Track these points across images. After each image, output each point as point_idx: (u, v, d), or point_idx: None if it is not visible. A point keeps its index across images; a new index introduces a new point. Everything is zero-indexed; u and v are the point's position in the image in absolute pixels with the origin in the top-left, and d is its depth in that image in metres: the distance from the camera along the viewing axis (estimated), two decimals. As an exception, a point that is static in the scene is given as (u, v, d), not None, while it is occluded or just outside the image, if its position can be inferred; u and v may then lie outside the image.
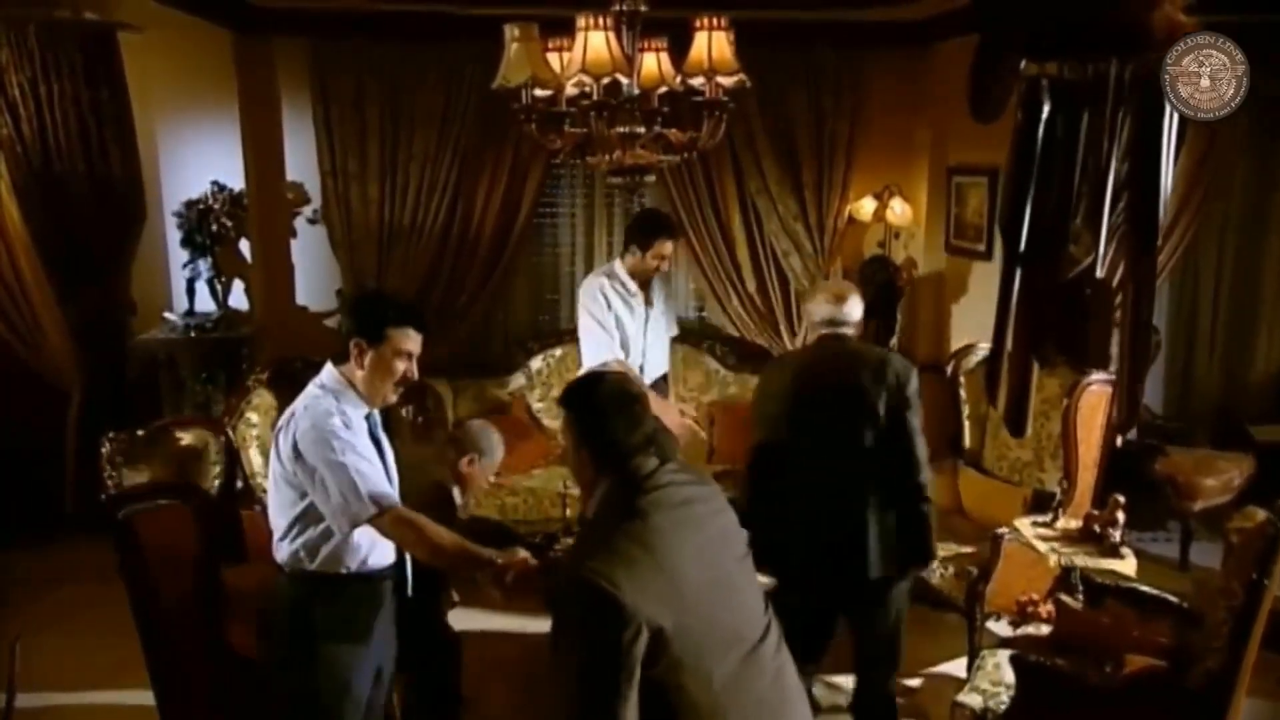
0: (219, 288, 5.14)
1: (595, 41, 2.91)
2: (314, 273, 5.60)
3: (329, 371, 2.45)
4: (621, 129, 3.11)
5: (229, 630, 2.92)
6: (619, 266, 4.09)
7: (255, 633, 2.70)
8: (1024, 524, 3.64)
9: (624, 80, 3.00)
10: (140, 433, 3.33)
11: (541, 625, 3.80)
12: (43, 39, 4.51)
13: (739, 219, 5.67)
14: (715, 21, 3.07)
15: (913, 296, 5.85)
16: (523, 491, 4.81)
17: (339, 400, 2.39)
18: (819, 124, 5.54)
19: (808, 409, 2.97)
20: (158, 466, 3.28)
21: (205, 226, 4.99)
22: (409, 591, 2.64)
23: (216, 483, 3.60)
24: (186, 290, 5.08)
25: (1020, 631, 3.22)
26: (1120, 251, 2.77)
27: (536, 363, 5.48)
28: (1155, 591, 3.04)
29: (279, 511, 2.43)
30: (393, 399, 2.49)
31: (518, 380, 5.46)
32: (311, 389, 2.43)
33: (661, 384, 4.35)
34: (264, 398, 3.97)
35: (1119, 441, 4.03)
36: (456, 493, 3.24)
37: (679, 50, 3.20)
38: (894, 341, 5.59)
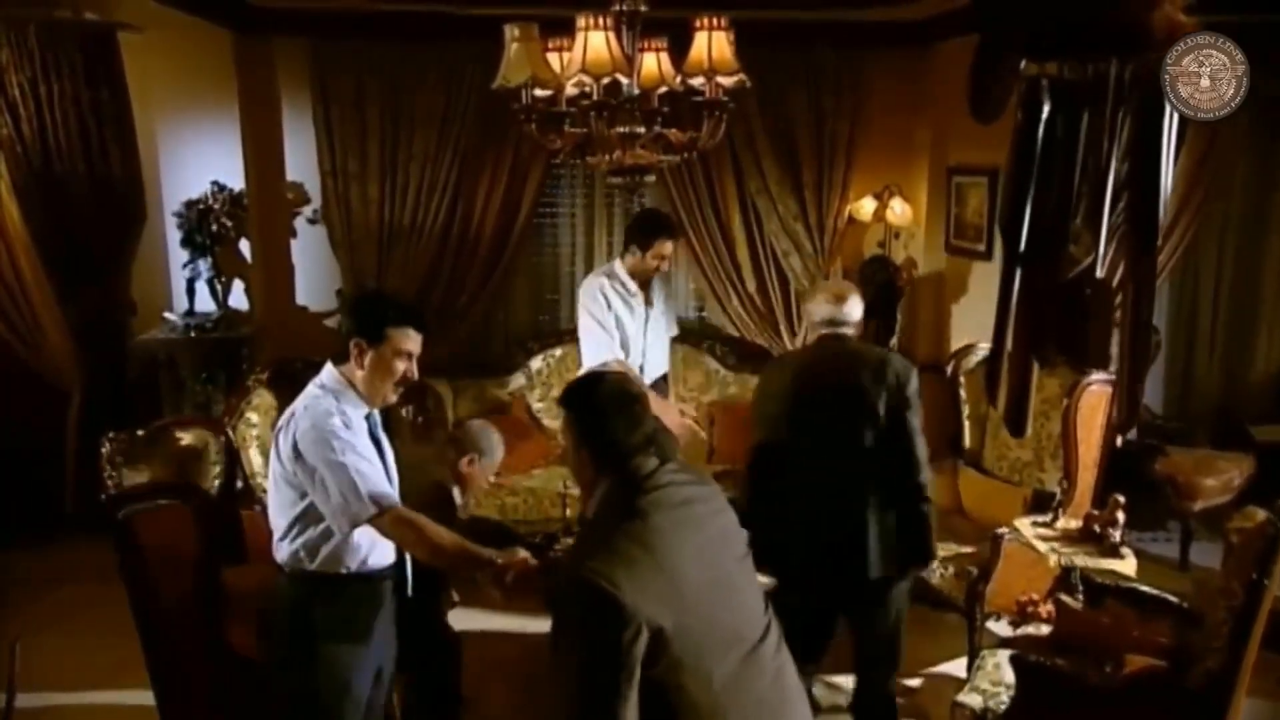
0: (219, 288, 5.14)
1: (595, 41, 2.91)
2: (314, 273, 5.60)
3: (329, 371, 2.45)
4: (621, 129, 3.11)
5: (229, 631, 2.92)
6: (618, 266, 4.09)
7: (255, 633, 2.70)
8: (1024, 524, 3.64)
9: (624, 80, 3.00)
10: (140, 433, 3.33)
11: (541, 625, 3.80)
12: (43, 39, 4.51)
13: (739, 219, 5.67)
14: (715, 21, 3.07)
15: (913, 296, 5.85)
16: (523, 491, 4.81)
17: (339, 400, 2.39)
18: (819, 124, 5.54)
19: (808, 409, 2.97)
20: (158, 467, 3.28)
21: (205, 226, 4.99)
22: (409, 592, 2.64)
23: (216, 483, 3.59)
24: (186, 290, 5.08)
25: (1020, 631, 3.22)
26: (1120, 251, 2.77)
27: (536, 363, 5.48)
28: (1155, 591, 3.04)
29: (279, 511, 2.43)
30: (393, 399, 2.49)
31: (518, 380, 5.45)
32: (311, 389, 2.43)
33: (661, 384, 4.35)
34: (264, 398, 3.97)
35: (1119, 442, 4.04)
36: (456, 493, 3.24)
37: (679, 50, 3.20)
38: (894, 341, 5.59)
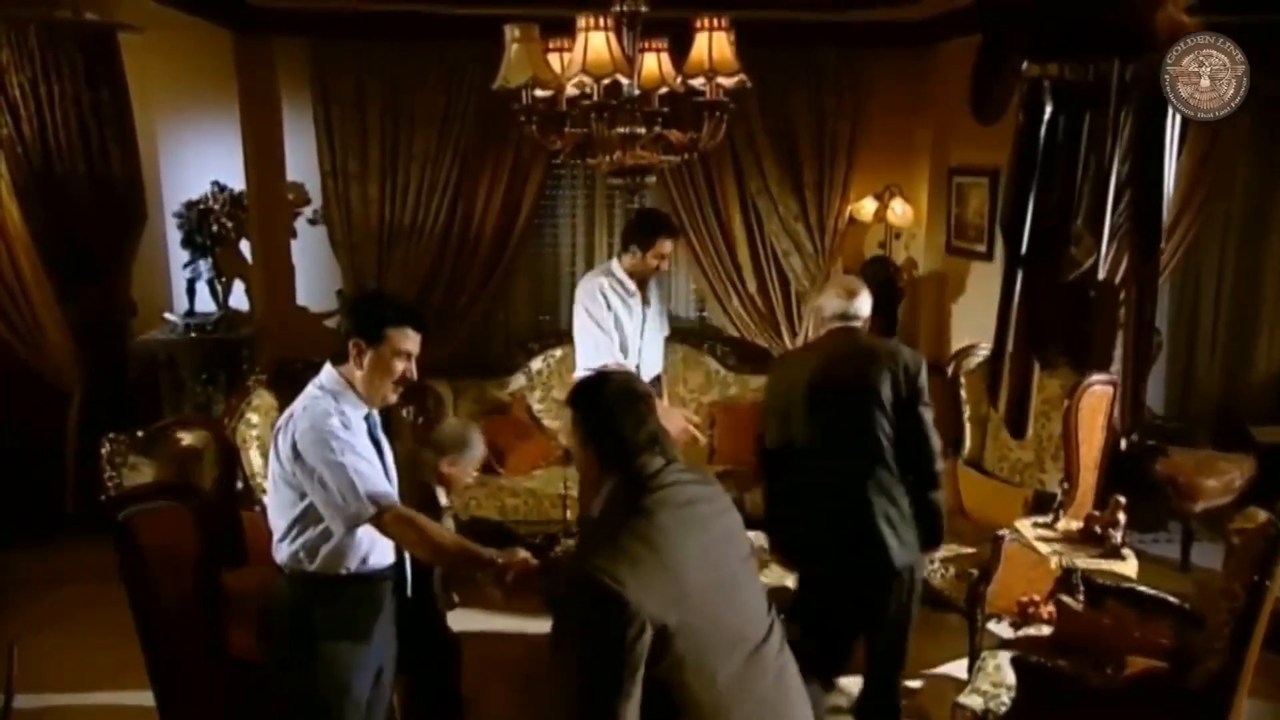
0: (219, 288, 5.14)
1: (596, 42, 2.91)
2: (314, 273, 5.60)
3: (328, 372, 2.45)
4: (622, 130, 3.11)
5: (228, 633, 2.91)
6: (616, 266, 4.08)
7: (255, 634, 2.69)
8: (1025, 525, 3.64)
9: (624, 81, 3.00)
10: (140, 433, 3.32)
11: (542, 626, 3.81)
12: (43, 39, 4.51)
13: (739, 219, 5.67)
14: (716, 22, 3.07)
15: (913, 297, 5.85)
16: (523, 492, 4.81)
17: (338, 400, 2.39)
18: (820, 124, 5.54)
19: (823, 401, 3.00)
20: (158, 467, 3.27)
21: (206, 227, 4.99)
22: (409, 592, 2.64)
23: (216, 484, 3.59)
24: (187, 291, 5.08)
25: (1021, 633, 3.21)
26: (1122, 252, 2.77)
27: (537, 363, 5.48)
28: (1156, 593, 3.03)
29: (278, 512, 2.43)
30: (392, 399, 2.48)
31: (518, 381, 5.45)
32: (310, 389, 2.43)
33: (655, 384, 4.35)
34: (264, 398, 3.97)
35: (1123, 445, 4.03)
36: (442, 494, 3.23)
37: (679, 51, 3.20)
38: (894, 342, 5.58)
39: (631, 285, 4.05)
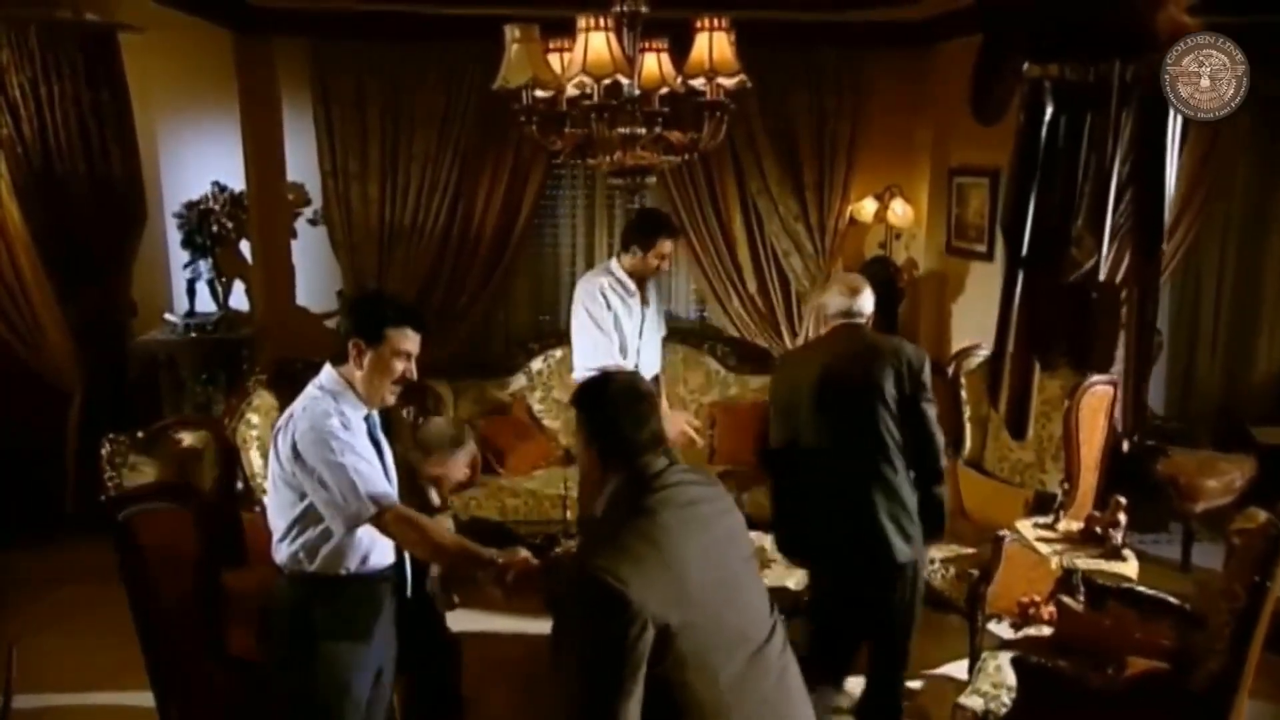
0: (219, 288, 5.14)
1: (596, 42, 2.91)
2: (314, 273, 5.60)
3: (327, 372, 2.45)
4: (622, 130, 3.11)
5: (229, 633, 2.91)
6: (616, 266, 4.08)
7: (255, 634, 2.69)
8: (1025, 526, 3.63)
9: (625, 81, 3.00)
10: (140, 434, 3.32)
11: (542, 626, 3.81)
12: (43, 39, 4.50)
13: (740, 220, 5.67)
14: (716, 22, 3.07)
15: (914, 297, 5.85)
16: (523, 493, 4.81)
17: (337, 401, 2.39)
18: (820, 124, 5.54)
19: (827, 399, 3.02)
20: (158, 467, 3.27)
21: (206, 227, 4.99)
22: (409, 593, 2.64)
23: (216, 484, 3.59)
24: (187, 291, 5.08)
25: (1022, 633, 3.21)
26: (1123, 253, 2.77)
27: (537, 363, 5.47)
28: (1157, 593, 3.03)
29: (278, 513, 2.43)
30: (390, 400, 2.48)
31: (518, 381, 5.45)
32: (310, 390, 2.43)
33: (653, 385, 4.34)
34: (264, 399, 3.96)
35: (1125, 447, 4.03)
36: (433, 494, 3.23)
37: (680, 51, 3.20)
38: (894, 342, 5.59)
39: (631, 285, 4.05)
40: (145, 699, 2.97)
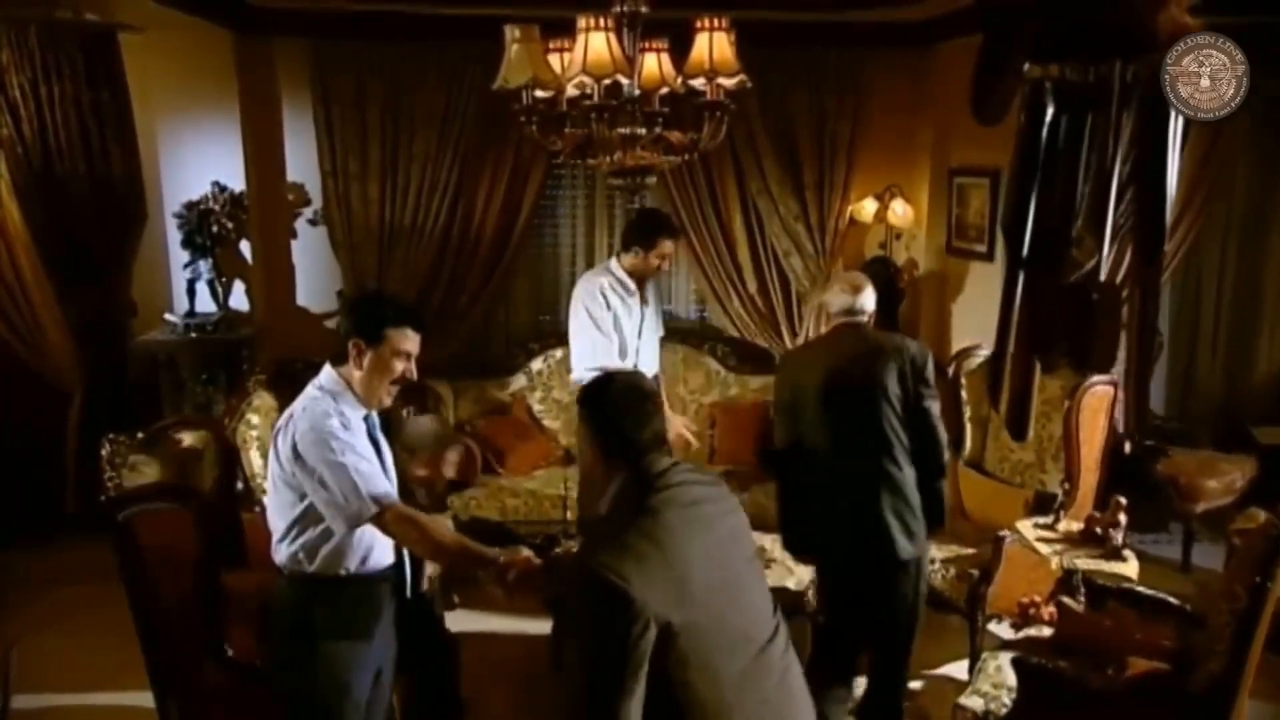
0: (219, 289, 5.14)
1: (596, 43, 2.91)
2: (314, 273, 5.60)
3: (327, 373, 2.45)
4: (622, 130, 3.11)
5: (229, 633, 2.91)
6: (616, 265, 4.08)
7: (255, 635, 2.69)
8: (1025, 526, 3.63)
9: (625, 81, 3.00)
10: (140, 434, 3.32)
11: (542, 626, 3.81)
12: (43, 39, 4.50)
13: (740, 220, 5.67)
14: (716, 22, 3.06)
15: (914, 297, 5.85)
16: (523, 493, 4.81)
17: (337, 401, 2.39)
18: (820, 125, 5.54)
19: (832, 398, 3.02)
20: (158, 468, 3.27)
21: (206, 227, 4.99)
22: (408, 593, 2.63)
23: (216, 484, 3.59)
24: (187, 291, 5.08)
25: (1022, 634, 3.21)
26: (1123, 253, 2.77)
27: (537, 364, 5.47)
28: (1157, 594, 3.03)
29: (278, 513, 2.42)
30: (387, 401, 2.48)
31: (518, 381, 5.45)
32: (310, 390, 2.43)
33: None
34: (264, 399, 3.96)
35: (1127, 448, 4.03)
36: (421, 495, 3.23)
37: (680, 51, 3.19)
38: (894, 342, 5.58)
39: (631, 284, 4.05)
40: (145, 699, 2.97)
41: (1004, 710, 2.86)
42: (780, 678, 1.95)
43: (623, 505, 1.95)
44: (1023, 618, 3.17)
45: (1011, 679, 2.84)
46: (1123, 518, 3.35)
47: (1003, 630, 3.80)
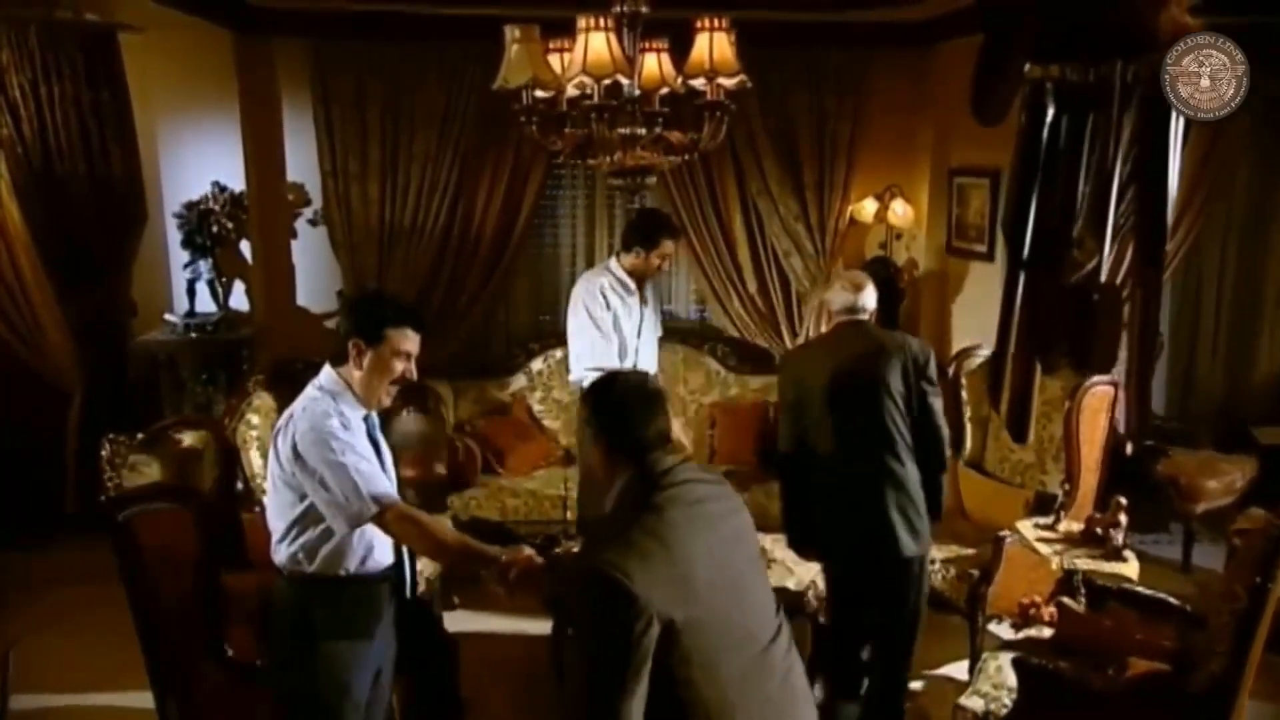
0: (219, 289, 5.14)
1: (596, 43, 2.91)
2: (314, 273, 5.59)
3: (327, 373, 2.45)
4: (622, 130, 3.11)
5: (229, 633, 2.91)
6: (616, 265, 4.08)
7: (255, 635, 2.69)
8: (1026, 526, 3.63)
9: (625, 81, 3.00)
10: (140, 434, 3.33)
11: (542, 626, 3.81)
12: (43, 39, 4.50)
13: (740, 220, 5.66)
14: (716, 22, 3.06)
15: (914, 297, 5.84)
16: (523, 493, 4.81)
17: (337, 401, 2.39)
18: (820, 125, 5.54)
19: (836, 396, 3.03)
20: (158, 468, 3.27)
21: (206, 227, 4.99)
22: (408, 593, 2.63)
23: (216, 485, 3.59)
24: (187, 291, 5.08)
25: (1022, 634, 3.21)
26: (1124, 254, 2.76)
27: (537, 364, 5.47)
28: (1157, 594, 3.03)
29: (278, 513, 2.42)
30: (387, 402, 2.48)
31: (518, 381, 5.45)
32: (310, 390, 2.43)
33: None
34: (264, 399, 3.96)
35: (1128, 448, 4.03)
36: (411, 494, 3.23)
37: (680, 51, 3.19)
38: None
39: (631, 284, 4.05)
40: (145, 699, 2.97)
41: (1004, 711, 2.86)
42: (783, 677, 1.95)
43: (627, 503, 1.95)
44: (1023, 618, 3.17)
45: (1012, 679, 2.84)
46: (1123, 518, 3.35)
47: (1003, 630, 3.80)
